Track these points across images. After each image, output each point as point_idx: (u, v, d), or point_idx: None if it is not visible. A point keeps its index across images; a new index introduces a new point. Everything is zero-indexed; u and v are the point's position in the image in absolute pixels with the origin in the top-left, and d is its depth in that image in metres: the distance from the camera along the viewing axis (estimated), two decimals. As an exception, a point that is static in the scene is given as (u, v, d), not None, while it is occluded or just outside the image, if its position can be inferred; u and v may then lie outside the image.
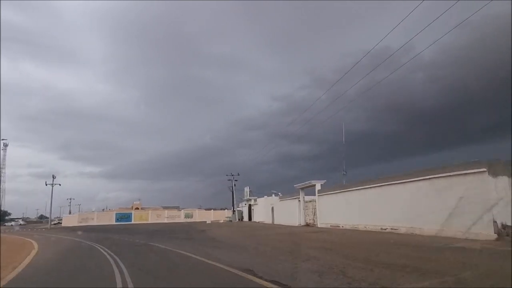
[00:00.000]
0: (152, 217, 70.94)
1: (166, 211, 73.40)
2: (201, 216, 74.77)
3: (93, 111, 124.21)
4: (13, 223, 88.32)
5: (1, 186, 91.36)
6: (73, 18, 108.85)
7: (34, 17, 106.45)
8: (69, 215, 68.64)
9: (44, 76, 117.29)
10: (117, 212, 70.53)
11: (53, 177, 56.06)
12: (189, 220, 73.18)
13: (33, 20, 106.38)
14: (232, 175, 61.62)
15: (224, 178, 62.24)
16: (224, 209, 77.21)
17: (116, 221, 67.48)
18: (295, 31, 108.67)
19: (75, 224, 63.75)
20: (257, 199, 50.45)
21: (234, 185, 61.17)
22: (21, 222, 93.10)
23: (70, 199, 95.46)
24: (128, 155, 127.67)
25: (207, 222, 54.24)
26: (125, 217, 68.95)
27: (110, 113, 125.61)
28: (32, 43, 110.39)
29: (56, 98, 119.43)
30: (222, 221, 56.70)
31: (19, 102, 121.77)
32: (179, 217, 73.90)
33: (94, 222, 65.16)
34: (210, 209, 78.69)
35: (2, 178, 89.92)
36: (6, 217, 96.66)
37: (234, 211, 58.77)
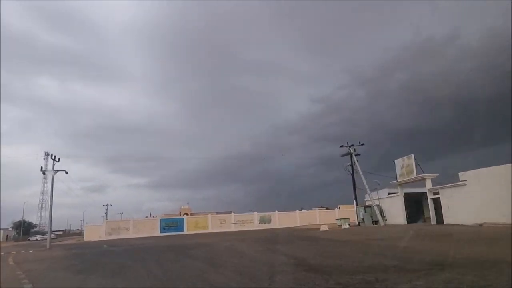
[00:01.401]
0: (214, 224, 46.62)
1: (232, 215, 48.59)
2: (283, 220, 49.24)
3: (137, 125, 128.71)
4: (37, 237, 69.78)
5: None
6: (116, 37, 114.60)
7: (81, 39, 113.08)
8: (92, 224, 46.55)
9: (92, 95, 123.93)
10: (163, 218, 47.17)
11: (66, 172, 33.60)
12: (267, 226, 47.98)
13: (80, 42, 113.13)
14: (350, 147, 35.05)
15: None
16: (324, 208, 50.96)
17: (161, 232, 44.19)
18: (332, 32, 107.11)
19: (101, 237, 41.27)
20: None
21: (354, 164, 34.53)
22: (52, 235, 74.79)
23: (107, 205, 75.12)
24: (171, 165, 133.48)
25: (323, 229, 28.09)
26: (174, 224, 45.30)
27: (153, 125, 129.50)
28: (80, 64, 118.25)
29: (104, 115, 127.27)
30: (344, 226, 30.23)
31: (71, 120, 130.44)
32: (252, 222, 48.83)
33: (129, 234, 42.38)
34: (295, 210, 52.78)
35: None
36: (32, 230, 78.67)
37: (366, 207, 31.90)
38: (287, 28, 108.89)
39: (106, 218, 65.12)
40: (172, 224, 45.28)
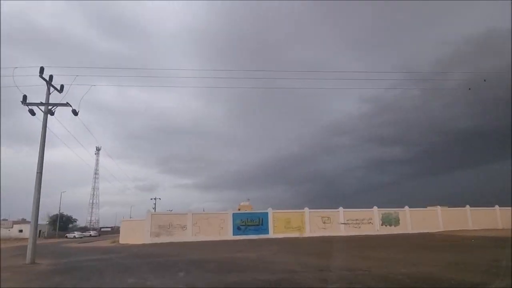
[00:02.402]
0: (313, 223, 29.24)
1: (341, 211, 30.58)
2: (417, 221, 30.67)
3: (186, 127, 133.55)
4: (75, 233, 58.17)
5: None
6: (166, 42, 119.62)
7: (134, 45, 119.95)
8: (131, 219, 31.57)
9: (145, 98, 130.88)
10: (237, 212, 30.45)
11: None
12: (394, 229, 29.88)
13: (134, 48, 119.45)
14: None
15: None
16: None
17: (234, 233, 27.86)
18: (383, 27, 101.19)
19: (144, 239, 25.97)
20: None
21: None
22: (91, 233, 63.56)
23: (155, 198, 61.71)
24: (218, 167, 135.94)
25: None
26: (254, 223, 28.70)
27: (201, 127, 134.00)
28: (134, 69, 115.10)
29: (156, 117, 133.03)
30: None
31: (125, 123, 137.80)
32: (370, 222, 30.67)
33: (187, 236, 26.69)
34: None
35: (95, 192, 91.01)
36: (70, 225, 67.85)
37: None
38: (335, 26, 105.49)
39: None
40: (250, 222, 28.68)
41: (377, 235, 28.55)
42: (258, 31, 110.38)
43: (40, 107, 15.00)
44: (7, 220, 59.31)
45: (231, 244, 22.24)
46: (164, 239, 26.61)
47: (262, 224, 28.83)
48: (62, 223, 60.81)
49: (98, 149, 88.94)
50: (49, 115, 15.07)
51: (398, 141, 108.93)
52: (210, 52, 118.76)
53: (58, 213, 59.00)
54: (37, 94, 15.45)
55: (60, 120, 18.21)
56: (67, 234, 58.48)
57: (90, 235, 62.86)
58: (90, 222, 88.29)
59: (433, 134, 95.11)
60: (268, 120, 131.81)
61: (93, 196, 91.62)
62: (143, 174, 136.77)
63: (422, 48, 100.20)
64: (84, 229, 69.40)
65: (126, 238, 27.76)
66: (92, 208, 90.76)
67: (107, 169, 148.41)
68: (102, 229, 78.55)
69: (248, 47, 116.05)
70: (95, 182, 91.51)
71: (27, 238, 47.68)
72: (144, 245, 24.97)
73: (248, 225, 28.56)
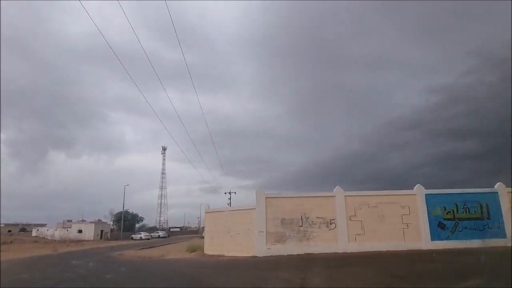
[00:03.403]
0: None
1: None
2: None
3: (246, 129, 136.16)
4: (142, 234, 48.99)
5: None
6: (225, 48, 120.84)
7: (196, 53, 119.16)
8: (224, 209, 18.70)
9: (207, 103, 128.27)
10: (431, 193, 15.46)
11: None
12: None
13: (196, 56, 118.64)
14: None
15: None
16: None
17: (434, 238, 13.13)
18: (449, 11, 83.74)
19: (254, 247, 12.60)
20: None
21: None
22: (160, 234, 54.35)
23: (230, 192, 49.79)
24: (278, 167, 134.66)
25: None
26: (473, 214, 13.56)
27: (261, 129, 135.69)
28: (197, 76, 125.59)
29: (217, 121, 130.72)
30: None
31: (190, 129, 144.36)
32: None
33: (339, 243, 12.77)
34: None
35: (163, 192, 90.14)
36: (137, 224, 59.38)
37: None
38: (394, 16, 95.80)
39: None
40: (466, 212, 13.68)
41: None
42: (315, 27, 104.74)
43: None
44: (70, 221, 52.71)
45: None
46: (291, 247, 13.08)
47: (488, 217, 13.65)
48: (127, 222, 52.30)
49: (164, 149, 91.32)
50: None
51: (473, 133, 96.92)
52: (267, 53, 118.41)
53: (122, 210, 50.42)
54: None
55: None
56: (132, 235, 49.63)
57: (159, 236, 53.58)
58: (160, 222, 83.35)
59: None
60: (329, 118, 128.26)
61: (161, 197, 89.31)
62: (207, 176, 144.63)
63: (498, 29, 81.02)
64: (152, 229, 60.75)
65: (215, 244, 14.88)
66: (160, 208, 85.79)
67: (174, 172, 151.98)
68: (171, 229, 70.53)
69: (305, 44, 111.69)
70: (162, 181, 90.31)
71: (85, 241, 36.89)
72: (257, 260, 11.78)
73: (462, 219, 13.61)
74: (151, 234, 52.06)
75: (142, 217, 60.49)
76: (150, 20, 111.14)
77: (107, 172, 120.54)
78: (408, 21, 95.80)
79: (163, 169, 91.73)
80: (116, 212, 54.01)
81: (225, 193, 54.16)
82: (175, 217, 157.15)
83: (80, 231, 46.57)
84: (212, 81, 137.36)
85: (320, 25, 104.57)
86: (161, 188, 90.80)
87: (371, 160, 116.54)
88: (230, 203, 47.40)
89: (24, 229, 68.49)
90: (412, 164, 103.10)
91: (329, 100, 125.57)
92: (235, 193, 51.15)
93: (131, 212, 55.09)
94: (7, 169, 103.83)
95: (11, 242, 38.10)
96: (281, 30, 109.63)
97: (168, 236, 55.25)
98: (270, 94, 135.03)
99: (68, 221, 53.93)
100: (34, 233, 58.64)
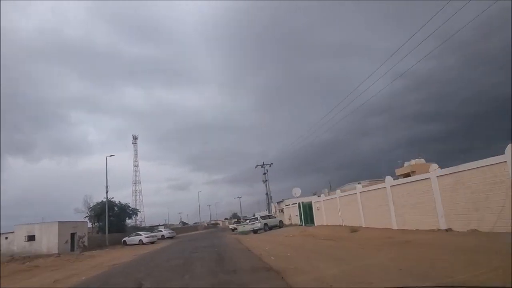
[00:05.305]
0: None
1: None
2: None
3: (214, 123, 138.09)
4: (143, 236, 29.63)
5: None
6: (188, 40, 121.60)
7: (158, 47, 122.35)
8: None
9: (173, 99, 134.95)
10: None
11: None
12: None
13: (158, 49, 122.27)
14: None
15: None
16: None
17: None
18: None
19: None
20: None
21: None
22: (164, 233, 35.54)
23: (263, 165, 31.71)
24: (247, 160, 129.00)
25: None
26: None
27: (228, 122, 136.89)
28: (160, 71, 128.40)
29: (184, 117, 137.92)
30: None
31: (156, 125, 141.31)
32: None
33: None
34: None
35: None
36: (129, 220, 39.34)
37: None
38: (358, 3, 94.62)
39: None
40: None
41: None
42: (282, 17, 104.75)
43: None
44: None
45: None
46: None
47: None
48: (113, 218, 32.31)
49: (135, 138, 78.30)
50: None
51: (436, 116, 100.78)
52: (233, 44, 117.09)
53: (105, 198, 30.32)
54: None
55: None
56: (125, 239, 30.22)
57: (163, 235, 34.85)
58: (136, 221, 65.29)
59: (473, 105, 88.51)
60: (298, 108, 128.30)
61: (135, 193, 73.95)
62: (175, 173, 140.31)
63: (460, 11, 76.36)
64: (152, 229, 41.23)
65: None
66: (135, 205, 67.41)
67: (142, 171, 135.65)
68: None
69: (271, 38, 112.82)
70: (135, 175, 76.26)
71: (40, 257, 17.79)
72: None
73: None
74: (155, 233, 32.91)
75: (136, 209, 40.01)
76: (108, 14, 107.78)
77: (70, 175, 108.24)
78: (371, 11, 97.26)
79: (135, 161, 77.40)
80: (95, 203, 33.81)
81: (260, 166, 36.92)
82: (149, 215, 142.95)
83: (31, 238, 25.63)
84: (176, 75, 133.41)
85: (286, 15, 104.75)
86: (135, 183, 76.02)
87: (343, 147, 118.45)
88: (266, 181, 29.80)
89: None
90: (383, 148, 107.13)
91: (297, 90, 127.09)
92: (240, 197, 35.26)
93: (117, 202, 34.91)
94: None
95: None
96: (246, 21, 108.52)
97: (173, 237, 36.57)
98: (237, 87, 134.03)
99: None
100: None
